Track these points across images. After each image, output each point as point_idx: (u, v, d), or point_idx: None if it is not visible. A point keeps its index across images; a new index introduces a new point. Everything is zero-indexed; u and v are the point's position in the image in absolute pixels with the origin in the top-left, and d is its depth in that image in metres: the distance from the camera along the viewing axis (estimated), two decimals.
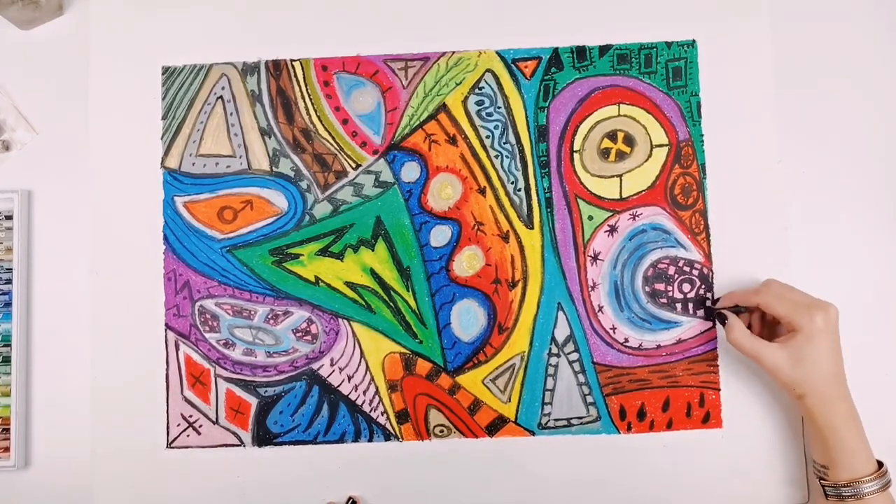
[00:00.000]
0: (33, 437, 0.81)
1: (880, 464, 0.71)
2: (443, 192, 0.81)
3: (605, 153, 0.81)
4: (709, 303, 0.80)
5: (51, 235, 0.83)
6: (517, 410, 0.80)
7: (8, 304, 0.81)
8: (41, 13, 0.82)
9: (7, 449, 0.80)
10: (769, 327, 0.78)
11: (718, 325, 0.80)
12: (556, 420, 0.80)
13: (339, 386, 0.80)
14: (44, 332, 0.82)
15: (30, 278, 0.82)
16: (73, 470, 0.80)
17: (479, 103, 0.81)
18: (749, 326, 0.77)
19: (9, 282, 0.81)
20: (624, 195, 0.81)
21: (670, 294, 0.80)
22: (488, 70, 0.81)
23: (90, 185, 0.82)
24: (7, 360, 0.80)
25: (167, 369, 0.80)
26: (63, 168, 0.83)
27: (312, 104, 0.82)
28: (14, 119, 0.83)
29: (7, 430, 0.80)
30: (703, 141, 0.80)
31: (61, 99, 0.83)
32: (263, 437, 0.80)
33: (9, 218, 0.82)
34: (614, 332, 0.80)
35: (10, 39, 0.84)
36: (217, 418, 0.80)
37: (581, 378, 0.80)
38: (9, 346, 0.80)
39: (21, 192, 0.81)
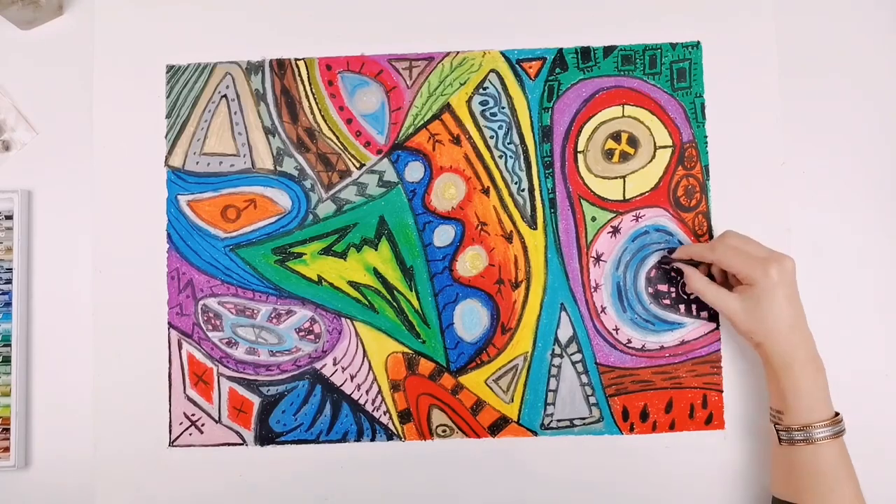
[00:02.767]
0: (33, 437, 0.81)
1: (836, 413, 0.71)
2: (446, 192, 0.81)
3: (608, 154, 0.81)
4: (665, 255, 0.81)
5: (51, 235, 0.82)
6: (520, 411, 0.80)
7: (8, 304, 0.81)
8: (41, 13, 0.82)
9: (7, 449, 0.79)
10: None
11: (722, 325, 0.80)
12: (559, 421, 0.80)
13: (341, 385, 0.80)
14: (44, 332, 0.82)
15: (30, 278, 0.82)
16: (73, 470, 0.80)
17: (483, 103, 0.81)
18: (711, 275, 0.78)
19: (9, 282, 0.81)
20: (627, 196, 0.81)
21: (673, 295, 0.80)
22: (492, 70, 0.81)
23: (94, 183, 0.82)
24: (7, 360, 0.80)
25: (170, 368, 0.80)
26: (63, 168, 0.83)
27: (316, 103, 0.82)
28: (14, 119, 0.83)
29: (7, 430, 0.79)
30: (706, 142, 0.81)
31: (61, 99, 0.83)
32: (266, 437, 0.80)
33: (9, 218, 0.81)
34: (617, 333, 0.80)
35: (10, 39, 0.84)
36: (220, 417, 0.80)
37: (584, 379, 0.80)
38: (9, 346, 0.80)
39: (21, 192, 0.81)
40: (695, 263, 0.78)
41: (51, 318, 0.82)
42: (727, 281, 0.77)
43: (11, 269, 0.81)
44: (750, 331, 0.72)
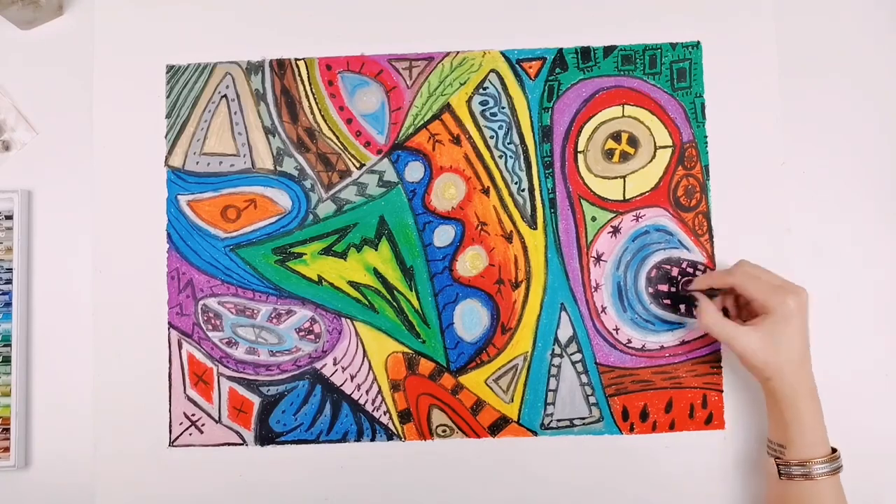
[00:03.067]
0: (33, 437, 0.81)
1: (833, 449, 0.71)
2: (446, 192, 0.81)
3: (608, 154, 0.81)
4: (681, 286, 0.80)
5: (51, 235, 0.82)
6: (520, 411, 0.80)
7: (8, 304, 0.80)
8: (41, 13, 0.82)
9: (7, 449, 0.79)
10: (744, 310, 0.77)
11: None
12: (559, 420, 0.80)
13: (341, 385, 0.80)
14: (44, 332, 0.82)
15: (30, 278, 0.82)
16: (73, 470, 0.80)
17: (483, 103, 0.81)
18: (724, 309, 0.78)
19: (9, 282, 0.81)
20: (627, 196, 0.81)
21: (674, 295, 0.80)
22: (493, 70, 0.81)
23: (94, 183, 0.82)
24: (7, 360, 0.80)
25: (170, 368, 0.80)
26: (63, 168, 0.83)
27: (316, 103, 0.82)
28: (14, 119, 0.83)
29: (7, 430, 0.79)
30: (706, 142, 0.81)
31: (61, 99, 0.83)
32: (266, 436, 0.80)
33: (9, 218, 0.81)
34: (617, 333, 0.80)
35: (10, 39, 0.84)
36: (220, 417, 0.80)
37: (584, 379, 0.80)
38: (9, 346, 0.80)
39: (21, 192, 0.81)
40: (708, 295, 0.77)
41: (51, 318, 0.82)
42: (739, 317, 0.77)
43: (11, 269, 0.81)
44: (763, 363, 0.70)
